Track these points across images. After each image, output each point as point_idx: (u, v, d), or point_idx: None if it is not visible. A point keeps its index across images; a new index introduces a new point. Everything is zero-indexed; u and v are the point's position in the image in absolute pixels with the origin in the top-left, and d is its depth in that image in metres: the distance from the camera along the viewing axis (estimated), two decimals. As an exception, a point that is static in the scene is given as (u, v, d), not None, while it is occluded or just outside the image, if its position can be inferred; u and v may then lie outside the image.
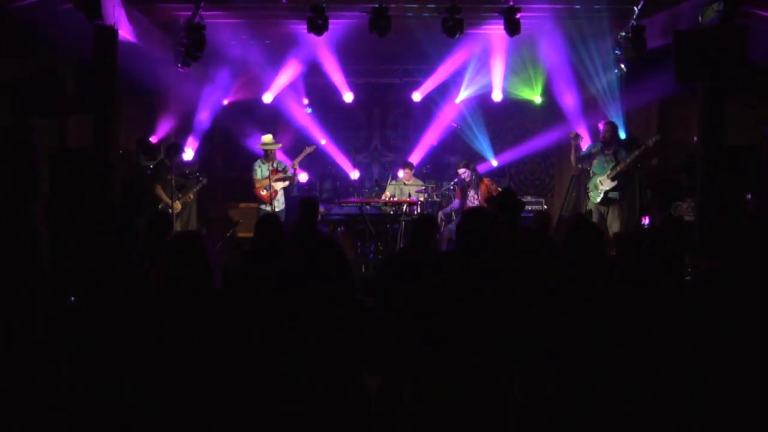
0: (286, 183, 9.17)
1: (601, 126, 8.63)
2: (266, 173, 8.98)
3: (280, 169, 9.06)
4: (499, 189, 9.31)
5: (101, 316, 3.83)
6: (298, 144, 11.12)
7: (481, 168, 10.18)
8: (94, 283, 4.08)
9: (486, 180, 8.96)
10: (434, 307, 3.53)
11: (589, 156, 8.57)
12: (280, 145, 9.58)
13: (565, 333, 3.47)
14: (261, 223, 4.39)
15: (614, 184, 8.28)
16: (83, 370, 3.82)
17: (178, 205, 8.65)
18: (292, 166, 9.09)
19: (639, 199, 8.89)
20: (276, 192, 8.97)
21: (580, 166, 8.75)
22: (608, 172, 8.28)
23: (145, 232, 5.39)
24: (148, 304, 3.48)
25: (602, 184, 8.32)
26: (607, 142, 8.44)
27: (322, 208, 10.37)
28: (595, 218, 8.33)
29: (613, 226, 8.22)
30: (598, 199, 8.35)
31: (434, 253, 4.53)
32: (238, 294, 3.66)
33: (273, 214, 8.13)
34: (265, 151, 9.12)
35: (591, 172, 8.54)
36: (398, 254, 4.85)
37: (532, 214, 8.82)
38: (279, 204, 9.10)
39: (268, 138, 9.22)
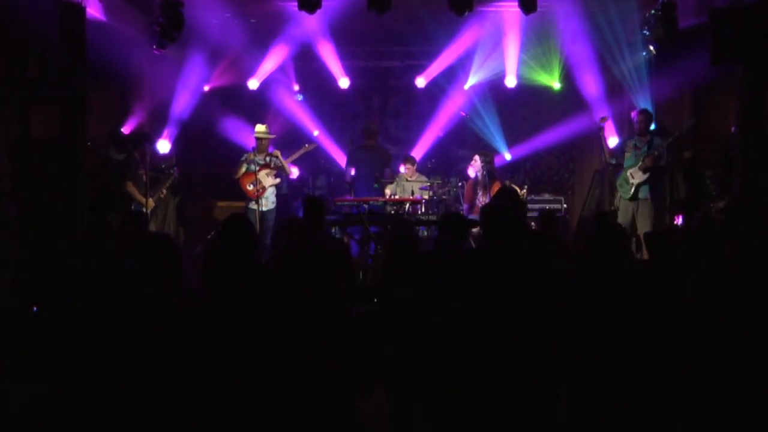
0: (277, 180, 9.16)
1: (634, 115, 8.61)
2: (256, 167, 8.99)
3: (273, 164, 9.07)
4: (513, 186, 9.34)
5: (69, 327, 3.82)
6: (287, 136, 11.11)
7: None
8: (62, 290, 4.08)
9: (499, 183, 8.91)
10: (434, 310, 3.59)
11: (623, 149, 8.53)
12: (274, 136, 9.58)
13: (570, 339, 3.54)
14: (227, 225, 4.40)
15: (646, 177, 8.22)
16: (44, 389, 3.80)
17: (151, 203, 8.67)
18: (287, 161, 9.12)
19: (670, 195, 8.89)
20: (264, 188, 8.97)
21: (613, 161, 8.69)
22: (640, 163, 8.26)
23: (118, 233, 5.40)
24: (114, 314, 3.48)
25: (633, 177, 8.28)
26: (642, 132, 8.42)
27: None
28: (622, 217, 8.31)
29: (644, 226, 8.17)
30: (629, 194, 8.30)
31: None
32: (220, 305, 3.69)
33: (240, 216, 8.17)
34: (258, 142, 9.13)
35: (623, 166, 8.48)
36: (394, 259, 4.91)
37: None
38: (268, 203, 9.10)
39: (261, 128, 9.23)
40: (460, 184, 9.36)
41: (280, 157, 9.10)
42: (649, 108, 9.21)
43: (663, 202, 8.77)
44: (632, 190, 8.27)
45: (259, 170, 8.99)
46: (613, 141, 9.17)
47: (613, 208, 8.62)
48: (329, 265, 3.85)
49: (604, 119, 8.57)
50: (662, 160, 8.29)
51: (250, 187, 9.03)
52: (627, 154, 8.43)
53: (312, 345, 3.58)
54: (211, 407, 3.40)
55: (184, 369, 3.34)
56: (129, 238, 5.58)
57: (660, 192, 8.55)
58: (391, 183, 9.73)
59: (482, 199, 8.79)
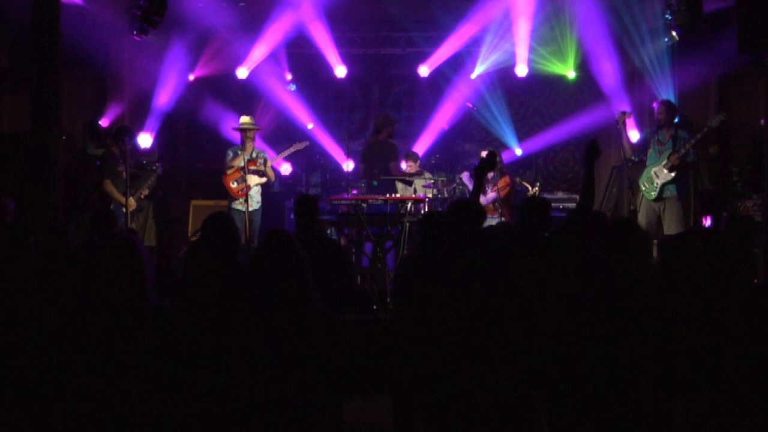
0: (263, 180, 9.07)
1: (655, 105, 8.55)
2: (241, 163, 8.94)
3: (258, 162, 8.98)
4: (525, 183, 9.35)
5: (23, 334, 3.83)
6: (279, 129, 11.10)
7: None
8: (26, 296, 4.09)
9: (508, 178, 8.88)
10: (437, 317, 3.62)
11: (645, 144, 8.44)
12: (260, 128, 9.51)
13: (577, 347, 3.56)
14: (207, 224, 4.41)
15: (672, 175, 8.15)
16: None
17: (132, 203, 8.63)
18: (272, 161, 9.07)
19: (695, 194, 8.87)
20: (249, 187, 8.87)
21: (634, 158, 8.62)
22: (664, 161, 8.20)
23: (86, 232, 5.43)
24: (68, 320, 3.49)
25: (657, 177, 8.20)
26: (663, 125, 8.37)
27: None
28: (644, 219, 8.27)
29: (672, 227, 8.11)
30: (654, 195, 8.23)
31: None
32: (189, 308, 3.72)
33: (222, 214, 8.12)
34: (243, 135, 9.07)
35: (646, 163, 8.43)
36: (409, 261, 4.95)
37: (564, 214, 8.85)
38: (253, 202, 9.01)
39: (246, 119, 9.17)
40: (466, 181, 9.34)
41: (267, 160, 9.03)
42: (672, 99, 9.19)
43: (689, 200, 8.72)
44: (657, 190, 8.18)
45: (245, 167, 8.91)
46: (634, 135, 9.13)
47: (632, 207, 8.58)
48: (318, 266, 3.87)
49: (625, 114, 8.44)
50: (689, 157, 8.21)
51: (234, 185, 8.96)
52: (649, 151, 8.35)
53: (291, 350, 3.62)
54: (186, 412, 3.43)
55: (156, 373, 3.37)
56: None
57: (686, 190, 8.50)
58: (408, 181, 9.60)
59: (491, 196, 8.79)
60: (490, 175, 8.90)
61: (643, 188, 8.34)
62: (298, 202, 5.91)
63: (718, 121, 8.17)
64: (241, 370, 3.48)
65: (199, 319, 3.69)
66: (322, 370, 3.57)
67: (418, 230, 4.73)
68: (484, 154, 8.90)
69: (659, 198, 8.21)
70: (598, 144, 4.60)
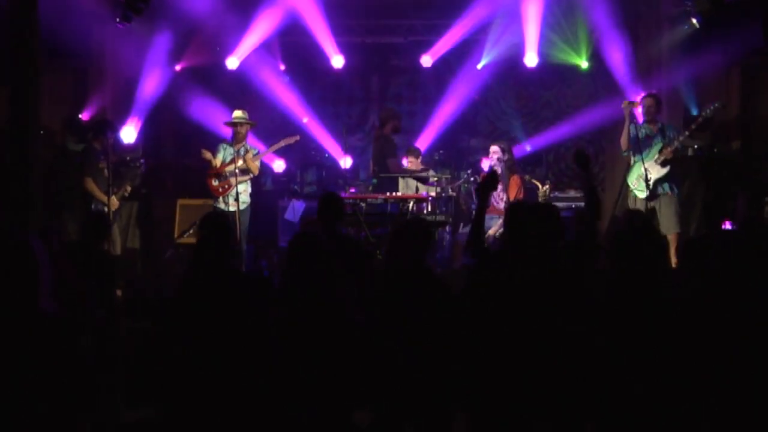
0: (247, 177, 8.99)
1: (640, 99, 8.60)
2: (228, 159, 8.94)
3: (243, 159, 8.90)
4: (534, 181, 9.37)
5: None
6: (271, 124, 11.12)
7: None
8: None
9: (517, 177, 8.88)
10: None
11: (636, 139, 8.36)
12: (255, 123, 9.42)
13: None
14: (204, 223, 4.47)
15: (665, 171, 8.20)
16: None
17: (115, 201, 8.63)
18: (258, 156, 9.02)
19: (715, 194, 8.89)
20: (229, 185, 8.82)
21: (626, 153, 8.66)
22: (655, 155, 8.24)
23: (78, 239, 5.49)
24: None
25: (650, 173, 8.20)
26: (651, 119, 8.42)
27: (303, 206, 10.42)
28: None
29: (671, 225, 8.15)
30: (644, 194, 8.24)
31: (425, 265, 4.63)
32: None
33: (219, 213, 8.15)
34: (234, 130, 9.03)
35: (632, 160, 8.45)
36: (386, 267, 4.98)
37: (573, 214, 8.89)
38: (238, 202, 8.90)
39: (239, 113, 9.10)
40: (472, 179, 9.36)
41: (251, 154, 8.93)
42: (691, 89, 9.23)
43: (684, 197, 8.77)
44: (650, 187, 8.18)
45: (228, 163, 8.90)
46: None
47: (650, 206, 8.58)
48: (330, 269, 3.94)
49: (632, 104, 8.46)
50: (680, 151, 8.28)
51: (215, 183, 8.95)
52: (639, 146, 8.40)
53: (306, 353, 3.67)
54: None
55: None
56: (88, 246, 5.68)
57: (680, 185, 8.54)
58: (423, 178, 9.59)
59: (502, 195, 8.77)
60: (498, 172, 8.93)
61: (633, 186, 8.37)
62: (321, 200, 6.04)
63: (712, 110, 8.19)
64: (244, 374, 3.53)
65: (192, 323, 3.74)
66: (339, 376, 3.63)
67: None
68: (493, 150, 8.85)
69: (653, 195, 8.23)
70: (583, 151, 4.76)
